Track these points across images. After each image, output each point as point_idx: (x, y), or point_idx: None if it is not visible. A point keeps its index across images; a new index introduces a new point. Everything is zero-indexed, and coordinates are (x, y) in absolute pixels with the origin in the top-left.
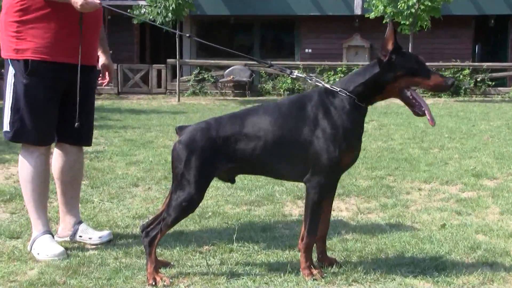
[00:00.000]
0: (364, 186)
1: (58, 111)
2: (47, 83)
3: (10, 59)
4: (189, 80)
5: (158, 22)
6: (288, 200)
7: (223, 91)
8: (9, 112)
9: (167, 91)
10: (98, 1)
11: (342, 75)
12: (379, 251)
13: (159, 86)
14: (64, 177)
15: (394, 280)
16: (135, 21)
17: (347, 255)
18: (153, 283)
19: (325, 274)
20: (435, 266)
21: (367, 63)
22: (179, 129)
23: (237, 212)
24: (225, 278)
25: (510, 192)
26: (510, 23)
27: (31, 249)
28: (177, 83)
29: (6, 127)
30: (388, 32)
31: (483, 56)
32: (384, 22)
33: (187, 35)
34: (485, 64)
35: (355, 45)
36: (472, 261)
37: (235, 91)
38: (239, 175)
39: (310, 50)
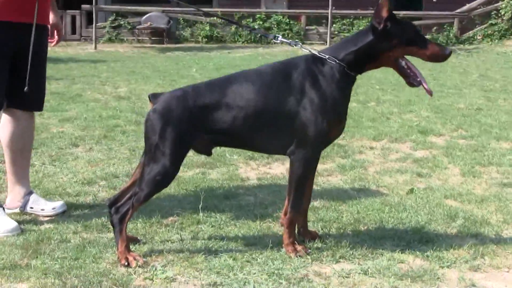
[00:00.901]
0: None
1: (6, 74)
2: None
3: None
4: (104, 27)
5: None
6: (240, 161)
7: (140, 38)
8: None
9: (82, 37)
10: None
11: (261, 22)
12: (356, 221)
13: (73, 32)
14: (14, 145)
15: (383, 255)
16: None
17: (323, 226)
18: (126, 263)
19: (309, 250)
20: (420, 239)
21: (285, 10)
22: (153, 97)
23: (191, 176)
24: (202, 256)
25: (461, 151)
26: None
27: None
28: (93, 30)
29: None
30: None
31: (398, 4)
32: None
33: None
34: (402, 13)
35: None
36: (455, 232)
37: (153, 38)
38: None
39: None
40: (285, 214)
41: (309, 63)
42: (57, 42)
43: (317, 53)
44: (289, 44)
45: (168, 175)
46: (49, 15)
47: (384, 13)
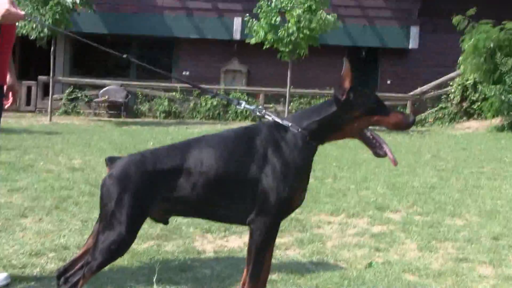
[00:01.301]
0: None
1: None
2: None
3: None
4: (61, 99)
5: (31, 37)
6: (196, 234)
7: (97, 111)
8: None
9: (37, 109)
10: (22, 12)
11: (219, 99)
12: None
13: (28, 104)
14: None
15: None
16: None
17: None
18: None
19: None
20: None
21: (244, 87)
22: (110, 161)
23: (146, 248)
24: None
25: (418, 226)
26: (380, 56)
27: None
28: (49, 101)
29: None
30: (344, 69)
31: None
32: (264, 48)
33: (124, 55)
34: None
35: (233, 69)
36: None
37: (110, 112)
38: None
39: (187, 73)
40: (243, 284)
41: (271, 129)
42: (12, 103)
43: (280, 121)
44: (253, 110)
45: (123, 244)
46: (6, 76)
47: (347, 84)
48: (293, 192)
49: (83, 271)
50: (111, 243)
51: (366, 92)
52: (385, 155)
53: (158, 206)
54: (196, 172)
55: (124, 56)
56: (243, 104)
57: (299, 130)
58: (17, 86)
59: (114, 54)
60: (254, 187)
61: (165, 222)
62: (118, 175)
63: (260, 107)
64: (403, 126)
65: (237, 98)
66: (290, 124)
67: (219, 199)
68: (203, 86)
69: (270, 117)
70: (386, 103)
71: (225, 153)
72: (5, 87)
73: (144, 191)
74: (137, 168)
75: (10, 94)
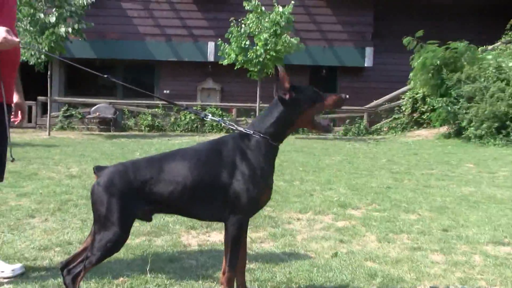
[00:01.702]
0: None
1: None
2: None
3: None
4: (57, 116)
5: (30, 63)
6: (182, 230)
7: (89, 126)
8: None
9: (37, 125)
10: (17, 39)
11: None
12: (289, 280)
13: (29, 121)
14: None
15: None
16: None
17: (259, 285)
18: None
19: None
20: None
21: (218, 103)
22: (97, 170)
23: (138, 243)
24: None
25: (376, 221)
26: (339, 73)
27: None
28: (48, 118)
29: None
30: (281, 72)
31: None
32: (235, 68)
33: (105, 76)
34: None
35: (208, 87)
36: None
37: (101, 127)
38: None
39: (168, 91)
40: (223, 273)
41: (237, 139)
42: (21, 120)
43: (243, 130)
44: (218, 121)
45: (118, 242)
46: (13, 96)
47: (287, 84)
48: (261, 191)
49: (83, 264)
50: (107, 241)
51: (302, 86)
52: (332, 129)
53: (142, 208)
54: (172, 181)
55: (105, 76)
56: (209, 116)
57: (261, 135)
58: (25, 104)
59: (98, 75)
60: (225, 191)
61: (149, 220)
62: (105, 183)
63: (224, 119)
64: (340, 103)
65: (209, 112)
66: (252, 132)
67: (195, 202)
68: (176, 102)
69: (234, 127)
70: (345, 115)
71: (198, 164)
72: (13, 106)
73: (128, 196)
74: (120, 176)
75: (19, 112)
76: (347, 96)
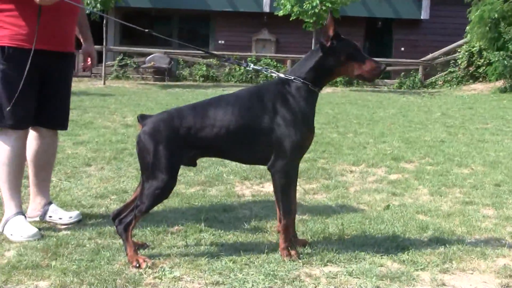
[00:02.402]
0: (302, 168)
1: (34, 96)
2: (23, 69)
3: None
4: (113, 65)
5: (86, 12)
6: (236, 181)
7: (144, 76)
8: None
9: (92, 74)
10: None
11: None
12: (341, 231)
13: (83, 71)
14: (37, 160)
15: (365, 259)
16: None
17: (312, 235)
18: (137, 265)
19: (301, 255)
20: (396, 246)
21: (273, 54)
22: (141, 118)
23: (193, 193)
24: (205, 259)
25: (429, 175)
26: (394, 25)
27: (3, 230)
28: (103, 67)
29: None
30: (328, 19)
31: (371, 52)
32: (291, 19)
33: (146, 30)
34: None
35: (263, 38)
36: (426, 241)
37: (155, 76)
38: None
39: (223, 42)
40: (280, 221)
41: (278, 85)
42: (91, 66)
43: (284, 75)
44: (260, 70)
45: (167, 188)
46: (73, 43)
47: (331, 32)
48: (303, 136)
49: (134, 212)
50: (156, 188)
51: (347, 39)
52: (380, 72)
53: (188, 154)
54: (215, 125)
55: (146, 30)
56: (252, 65)
57: (301, 81)
58: (94, 52)
59: (139, 29)
60: (269, 136)
61: (194, 165)
62: (150, 131)
63: (266, 67)
64: (376, 72)
65: (264, 63)
66: (293, 78)
67: (240, 147)
68: (215, 52)
69: (276, 74)
70: (400, 68)
71: (241, 110)
72: (75, 54)
73: (175, 143)
74: (166, 124)
75: (89, 58)
76: (386, 67)
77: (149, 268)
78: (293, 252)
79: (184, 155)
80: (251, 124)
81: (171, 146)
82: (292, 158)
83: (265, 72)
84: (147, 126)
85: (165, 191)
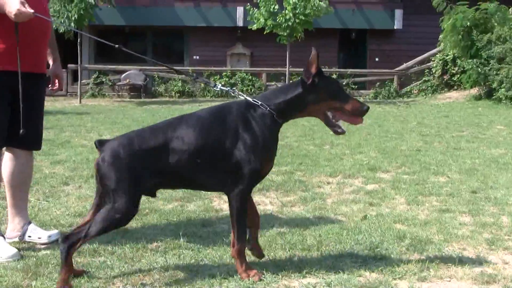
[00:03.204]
0: (279, 180)
1: (6, 117)
2: None
3: None
4: (88, 84)
5: (60, 31)
6: (214, 196)
7: (120, 93)
8: None
9: (68, 93)
10: (32, 11)
11: (226, 79)
12: (319, 243)
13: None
14: (14, 181)
15: (343, 270)
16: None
17: (290, 247)
18: None
19: (263, 276)
20: (374, 256)
21: (248, 68)
22: (99, 144)
23: (171, 209)
24: (185, 274)
25: (406, 184)
26: (368, 36)
27: None
28: (78, 86)
29: None
30: (312, 56)
31: (345, 63)
32: (265, 33)
33: (116, 46)
34: (349, 70)
35: (237, 52)
36: (404, 250)
37: (131, 94)
38: None
39: (197, 57)
40: (233, 245)
41: (242, 107)
42: (58, 89)
43: (251, 100)
44: (227, 91)
45: (128, 214)
46: (45, 64)
47: (313, 69)
48: (262, 162)
49: (82, 233)
50: (116, 212)
51: (329, 78)
52: (343, 132)
53: (148, 182)
54: (177, 149)
55: (116, 46)
56: (219, 86)
57: (267, 109)
58: (61, 73)
59: (108, 45)
60: (229, 159)
61: (153, 196)
62: (110, 159)
63: (233, 88)
64: (359, 112)
65: (239, 77)
66: (259, 103)
67: (199, 171)
68: (175, 67)
69: (243, 97)
70: (375, 78)
71: (202, 131)
72: (46, 75)
73: (135, 168)
74: (125, 150)
75: (56, 80)
76: (369, 107)
77: (127, 285)
78: (253, 273)
79: (145, 183)
80: (211, 147)
81: (131, 173)
82: (250, 183)
83: (232, 94)
84: (106, 152)
85: (125, 217)
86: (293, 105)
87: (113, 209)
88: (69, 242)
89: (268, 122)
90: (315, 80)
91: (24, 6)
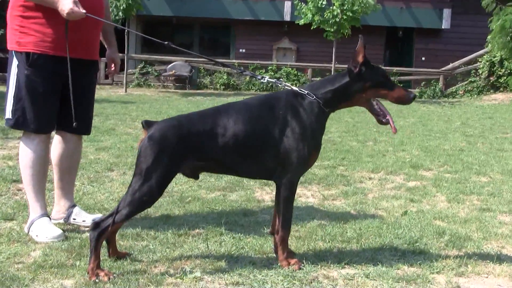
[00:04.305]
0: (321, 174)
1: (59, 102)
2: (46, 75)
3: (14, 51)
4: (134, 73)
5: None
6: (256, 187)
7: (165, 84)
8: (12, 100)
9: (114, 82)
10: (84, 11)
11: (272, 73)
12: (359, 235)
13: (106, 77)
14: (62, 164)
15: (382, 262)
16: None
17: (330, 239)
18: (97, 279)
19: (302, 265)
20: (413, 250)
21: (294, 63)
22: (147, 124)
23: (213, 197)
24: (225, 261)
25: (447, 182)
26: (415, 34)
27: (28, 231)
28: (124, 75)
29: (8, 114)
30: (358, 45)
31: (391, 62)
32: (311, 28)
33: (165, 42)
34: (395, 69)
35: (283, 47)
36: (442, 246)
37: (176, 85)
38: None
39: (244, 50)
40: (277, 233)
41: (290, 97)
42: (114, 72)
43: (298, 89)
44: (274, 83)
45: (153, 197)
46: (97, 51)
47: (360, 58)
48: (310, 150)
49: (112, 218)
50: (143, 195)
51: (376, 67)
52: (387, 122)
53: (191, 165)
54: (225, 135)
55: (166, 43)
56: (266, 78)
57: (314, 98)
58: (117, 57)
59: (157, 42)
60: (276, 147)
61: (196, 178)
62: (157, 138)
63: (280, 79)
64: (405, 100)
65: (284, 72)
66: (306, 92)
67: (246, 158)
68: (220, 60)
69: (291, 87)
70: (421, 77)
71: (251, 118)
72: (98, 61)
73: (180, 152)
74: (175, 131)
75: (112, 64)
76: (416, 95)
77: (170, 269)
78: (293, 261)
79: (186, 166)
80: (260, 134)
81: (175, 155)
82: (298, 172)
83: (279, 85)
84: (154, 132)
85: (152, 200)
86: (340, 94)
87: (139, 191)
88: (99, 230)
89: (316, 111)
90: (362, 69)
91: (77, 6)
